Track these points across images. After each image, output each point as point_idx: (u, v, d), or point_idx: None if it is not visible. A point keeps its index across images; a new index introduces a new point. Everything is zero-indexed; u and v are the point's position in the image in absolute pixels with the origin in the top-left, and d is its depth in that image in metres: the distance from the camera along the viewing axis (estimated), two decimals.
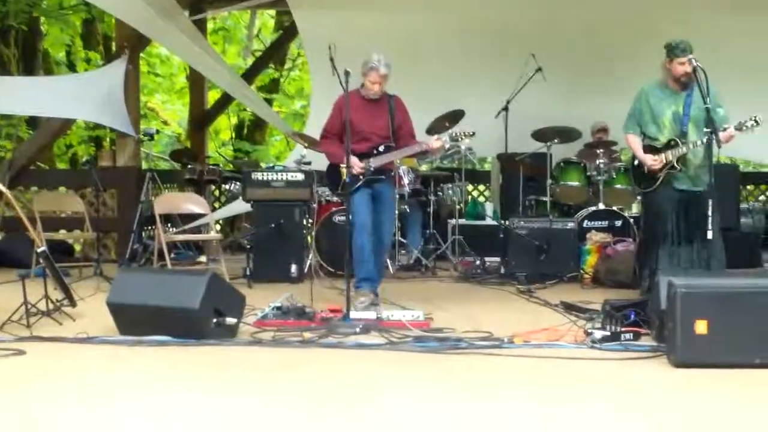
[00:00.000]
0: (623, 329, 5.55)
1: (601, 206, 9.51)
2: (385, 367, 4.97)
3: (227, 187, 12.47)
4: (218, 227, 12.70)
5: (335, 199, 9.00)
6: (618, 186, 9.59)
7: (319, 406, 4.12)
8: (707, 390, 4.44)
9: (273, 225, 8.82)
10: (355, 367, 5.00)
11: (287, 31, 15.19)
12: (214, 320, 5.57)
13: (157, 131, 11.28)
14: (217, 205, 12.67)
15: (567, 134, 10.00)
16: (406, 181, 9.73)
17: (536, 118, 10.04)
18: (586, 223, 9.37)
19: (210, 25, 15.96)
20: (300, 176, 9.07)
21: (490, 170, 12.83)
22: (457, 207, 10.20)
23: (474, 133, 7.18)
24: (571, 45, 10.20)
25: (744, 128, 6.75)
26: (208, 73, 11.31)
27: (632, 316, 5.72)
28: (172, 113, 20.75)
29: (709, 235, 6.37)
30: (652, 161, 7.04)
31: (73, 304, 6.45)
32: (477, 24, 10.17)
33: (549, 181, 9.76)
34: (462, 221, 10.28)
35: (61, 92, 10.30)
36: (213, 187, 12.66)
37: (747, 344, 4.79)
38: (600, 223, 9.42)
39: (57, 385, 4.54)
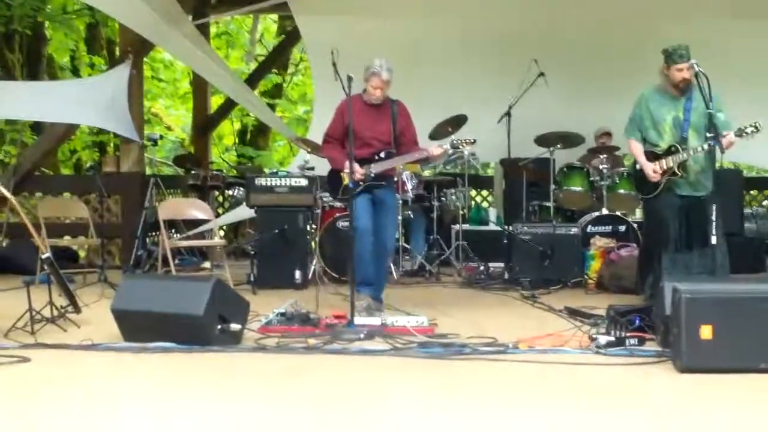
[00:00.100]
0: (628, 334, 5.55)
1: (605, 211, 9.51)
2: (389, 373, 4.97)
3: (231, 192, 12.48)
4: (222, 233, 12.72)
5: (339, 204, 8.99)
6: (621, 191, 9.58)
7: (324, 413, 4.11)
8: (712, 395, 4.44)
9: (277, 231, 8.82)
10: (360, 373, 5.00)
11: (290, 36, 15.19)
12: (219, 326, 5.57)
13: (161, 136, 11.32)
14: (220, 210, 12.68)
15: (570, 139, 9.99)
16: (409, 186, 9.74)
17: (539, 123, 10.03)
18: (589, 229, 9.37)
19: (213, 30, 15.96)
20: (303, 182, 9.07)
21: (493, 175, 12.84)
22: (461, 212, 10.21)
23: (475, 141, 7.18)
24: (573, 50, 10.21)
25: (744, 134, 6.72)
26: (211, 78, 11.32)
27: (637, 322, 5.73)
28: (175, 118, 20.75)
29: (713, 240, 6.36)
30: (652, 172, 7.01)
31: (77, 310, 6.46)
32: (479, 29, 10.18)
33: (552, 187, 9.75)
34: (465, 227, 10.28)
35: (65, 97, 10.31)
36: (216, 192, 12.68)
37: (752, 349, 4.79)
38: (604, 228, 9.42)
39: (62, 392, 4.54)
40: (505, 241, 9.30)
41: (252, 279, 8.61)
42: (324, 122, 7.50)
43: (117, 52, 12.96)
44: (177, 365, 5.17)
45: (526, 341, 5.59)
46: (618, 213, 9.54)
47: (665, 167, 6.98)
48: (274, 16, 18.38)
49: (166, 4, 9.06)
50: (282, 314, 6.36)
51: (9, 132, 14.14)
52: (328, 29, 9.92)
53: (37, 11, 13.36)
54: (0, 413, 4.11)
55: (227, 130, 19.83)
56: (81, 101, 10.14)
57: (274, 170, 12.60)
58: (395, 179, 8.45)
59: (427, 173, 10.29)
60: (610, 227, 9.44)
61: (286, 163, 17.27)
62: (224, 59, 15.73)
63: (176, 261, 9.11)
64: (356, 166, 6.93)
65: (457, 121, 9.63)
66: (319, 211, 9.23)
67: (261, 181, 9.12)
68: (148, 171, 11.26)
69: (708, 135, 6.56)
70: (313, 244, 9.32)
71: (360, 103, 7.05)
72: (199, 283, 6.01)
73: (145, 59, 12.16)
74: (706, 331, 4.79)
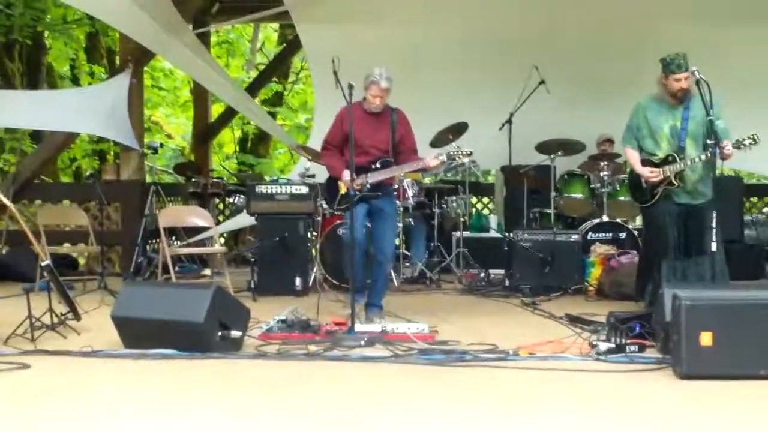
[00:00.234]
0: (628, 341, 5.54)
1: (605, 218, 9.52)
2: (390, 380, 4.97)
3: (231, 200, 12.47)
4: (222, 240, 12.72)
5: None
6: (622, 198, 9.58)
7: (325, 420, 4.10)
8: (713, 402, 4.43)
9: (277, 238, 8.82)
10: (360, 380, 4.99)
11: (291, 45, 15.22)
12: (219, 333, 5.57)
13: (161, 145, 11.32)
14: (221, 218, 12.68)
15: (571, 146, 10.01)
16: (410, 193, 9.75)
17: (540, 130, 10.04)
18: (590, 236, 9.37)
19: (213, 39, 15.99)
20: (304, 189, 9.07)
21: (494, 183, 12.84)
22: (461, 219, 10.22)
23: (471, 153, 7.18)
24: (574, 56, 10.21)
25: (742, 146, 6.68)
26: (211, 86, 11.34)
27: (637, 329, 5.71)
28: (176, 127, 20.79)
29: (713, 247, 6.35)
30: (650, 173, 7.00)
31: (77, 317, 6.45)
32: (479, 36, 10.18)
33: (553, 194, 9.77)
34: (466, 234, 10.30)
35: (65, 106, 10.31)
36: (217, 200, 12.69)
37: (752, 356, 4.79)
38: (604, 235, 9.43)
39: (62, 399, 4.53)
40: (506, 248, 9.32)
41: (252, 286, 8.62)
42: (324, 130, 7.51)
43: (117, 61, 12.98)
44: (177, 372, 5.17)
45: (526, 348, 5.58)
46: (618, 220, 9.56)
47: (662, 176, 6.97)
48: (275, 25, 18.43)
49: (167, 14, 9.08)
50: (282, 321, 6.36)
51: (9, 140, 14.16)
52: (329, 38, 9.93)
53: (37, 21, 13.38)
54: (0, 420, 4.11)
55: (228, 138, 19.87)
56: (81, 110, 10.15)
57: (275, 178, 12.62)
58: (395, 187, 8.46)
59: (427, 181, 10.30)
60: (611, 234, 9.45)
61: (287, 171, 17.30)
62: (225, 68, 15.75)
63: (176, 268, 9.12)
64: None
65: (458, 129, 9.64)
66: (319, 218, 9.23)
67: (261, 189, 9.12)
68: (148, 179, 11.27)
69: (709, 142, 6.55)
70: (313, 251, 9.33)
71: (360, 111, 7.05)
72: (199, 290, 6.01)
73: (145, 68, 12.17)
74: (706, 338, 4.79)
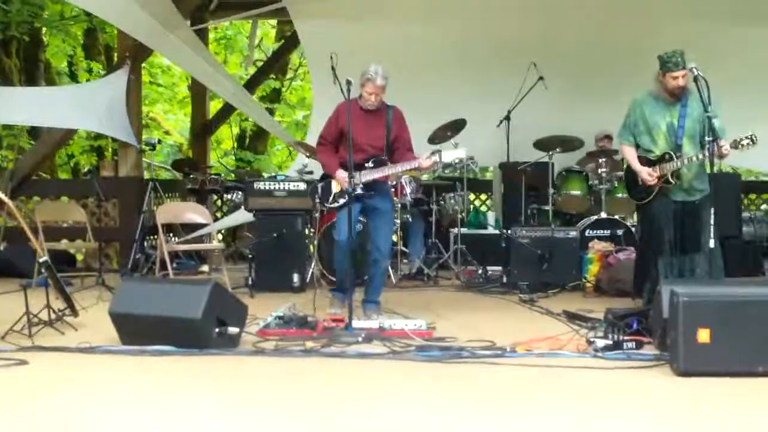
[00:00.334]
0: (626, 338, 5.55)
1: (603, 215, 9.50)
2: (387, 377, 4.97)
3: (229, 196, 12.45)
4: (220, 237, 12.71)
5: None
6: (620, 195, 9.58)
7: (322, 416, 4.11)
8: (710, 399, 4.44)
9: (275, 234, 8.81)
10: (358, 376, 5.00)
11: (289, 41, 15.20)
12: (217, 330, 5.57)
13: (159, 141, 11.30)
14: (219, 214, 12.66)
15: (569, 143, 10.00)
16: (408, 190, 9.75)
17: (538, 127, 10.04)
18: (588, 232, 9.36)
19: (211, 35, 15.96)
20: (302, 186, 9.06)
21: (492, 179, 12.83)
22: (459, 216, 10.20)
23: (461, 160, 7.17)
24: (572, 53, 10.19)
25: (740, 146, 6.67)
26: (209, 83, 11.32)
27: (635, 325, 5.73)
28: (173, 123, 20.76)
29: (711, 243, 6.35)
30: (648, 175, 6.99)
31: (75, 313, 6.45)
32: (478, 33, 10.17)
33: (551, 190, 9.76)
34: (464, 230, 10.28)
35: (63, 102, 10.30)
36: (215, 196, 12.66)
37: (749, 353, 4.80)
38: (602, 231, 9.42)
39: (59, 395, 4.53)
40: (504, 245, 9.31)
41: (250, 282, 8.61)
42: (322, 126, 7.50)
43: (115, 58, 12.94)
44: (175, 368, 5.17)
45: (524, 345, 5.59)
46: (616, 217, 9.54)
47: (659, 174, 6.96)
48: (273, 21, 18.38)
49: (165, 10, 9.07)
50: (280, 317, 6.35)
51: (6, 137, 14.14)
52: (327, 34, 9.93)
53: (34, 17, 13.35)
54: None
55: (226, 135, 19.83)
56: (79, 106, 10.13)
57: (273, 174, 12.59)
58: (393, 183, 8.44)
59: (425, 177, 10.28)
60: (609, 231, 9.43)
61: (285, 167, 17.25)
62: (223, 64, 15.73)
63: (174, 264, 9.11)
64: (345, 177, 6.94)
65: (457, 126, 9.64)
66: (317, 214, 9.22)
67: (259, 185, 9.11)
68: (146, 175, 11.25)
69: (707, 139, 6.53)
70: (311, 247, 9.32)
71: (356, 108, 7.05)
72: (197, 286, 6.01)
73: (143, 64, 12.15)
74: (703, 335, 4.80)
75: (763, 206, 12.87)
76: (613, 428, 3.98)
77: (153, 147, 10.35)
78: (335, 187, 7.24)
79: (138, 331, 5.70)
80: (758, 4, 9.34)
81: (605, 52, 10.10)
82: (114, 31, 13.61)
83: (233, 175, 13.90)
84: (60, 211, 10.55)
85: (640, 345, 5.53)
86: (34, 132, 13.97)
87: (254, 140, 19.20)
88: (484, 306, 7.99)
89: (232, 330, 5.66)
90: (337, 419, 4.08)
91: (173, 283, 6.95)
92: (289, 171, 11.41)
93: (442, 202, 10.29)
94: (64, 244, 10.46)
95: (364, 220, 7.40)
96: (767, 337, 4.80)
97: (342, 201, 7.13)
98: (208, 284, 5.76)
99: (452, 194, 10.29)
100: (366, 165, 7.09)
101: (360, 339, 5.85)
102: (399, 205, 9.53)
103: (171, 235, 10.37)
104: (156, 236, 9.47)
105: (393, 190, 9.17)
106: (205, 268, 10.35)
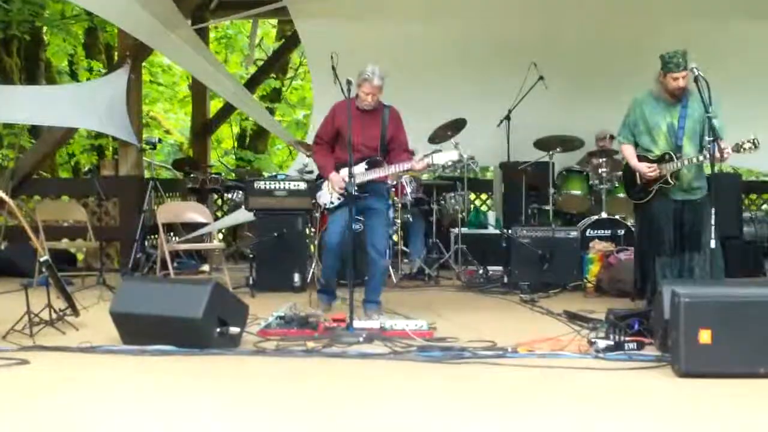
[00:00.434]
0: (627, 339, 5.54)
1: (604, 215, 9.50)
2: (388, 377, 4.97)
3: (230, 196, 12.44)
4: (221, 236, 12.71)
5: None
6: (620, 195, 9.55)
7: (323, 416, 4.11)
8: (711, 399, 4.43)
9: (275, 234, 8.80)
10: (359, 376, 4.99)
11: (289, 41, 15.19)
12: (218, 329, 5.56)
13: (160, 140, 11.29)
14: (219, 214, 12.66)
15: (569, 143, 10.00)
16: (408, 190, 9.74)
17: (538, 126, 10.04)
18: (588, 232, 9.36)
19: (212, 34, 15.95)
20: (302, 185, 9.05)
21: (493, 179, 12.82)
22: (460, 216, 10.20)
23: (454, 162, 7.17)
24: (572, 53, 10.19)
25: (742, 150, 6.66)
26: (210, 82, 11.31)
27: (636, 326, 5.72)
28: (174, 122, 20.75)
29: (712, 244, 6.34)
30: (647, 168, 6.98)
31: (76, 313, 6.45)
32: (478, 33, 10.17)
33: (551, 190, 9.76)
34: (464, 230, 10.27)
35: (64, 101, 10.30)
36: (215, 196, 12.66)
37: (751, 354, 4.79)
38: (603, 231, 9.41)
39: (61, 394, 4.53)
40: (504, 245, 9.30)
41: (251, 282, 8.61)
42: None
43: (115, 57, 12.94)
44: (176, 368, 5.17)
45: (525, 345, 5.59)
46: (617, 216, 9.54)
47: (658, 173, 6.96)
48: (274, 21, 18.39)
49: (165, 9, 9.06)
50: (281, 317, 6.35)
51: (7, 136, 14.14)
52: (328, 33, 9.93)
53: (35, 16, 13.35)
54: None
55: (226, 134, 19.82)
56: (79, 105, 10.13)
57: (273, 174, 12.59)
58: (393, 183, 8.42)
59: (426, 177, 10.28)
60: (609, 231, 9.43)
61: (285, 167, 17.23)
62: (223, 63, 15.73)
63: (175, 264, 9.09)
64: (338, 179, 6.96)
65: (457, 125, 9.63)
66: (317, 214, 9.21)
67: (260, 185, 9.10)
68: (147, 174, 11.24)
69: (708, 139, 6.53)
70: (311, 247, 9.32)
71: (352, 107, 7.03)
72: (197, 286, 6.01)
73: (143, 63, 12.15)
74: (704, 336, 4.79)
75: (764, 206, 12.87)
76: (615, 429, 3.97)
77: (153, 146, 10.35)
78: (328, 189, 7.23)
79: (139, 330, 5.70)
80: (759, 2, 9.34)
81: (606, 51, 10.10)
82: (114, 31, 13.60)
83: (234, 175, 13.90)
84: (61, 210, 10.55)
85: (641, 346, 5.52)
86: (34, 131, 13.96)
87: (255, 140, 19.18)
88: (485, 306, 7.98)
89: (233, 330, 5.65)
90: (339, 419, 4.08)
91: (174, 283, 6.94)
92: (290, 170, 11.41)
93: (443, 202, 10.28)
94: (64, 243, 10.46)
95: (363, 219, 7.36)
96: None
97: (337, 202, 7.13)
98: (208, 284, 5.75)
99: (453, 194, 10.29)
100: (361, 165, 7.07)
101: (361, 339, 5.84)
102: (399, 205, 9.52)
103: (171, 234, 10.37)
104: (156, 235, 9.47)
105: (393, 189, 9.18)
106: (205, 267, 10.34)
